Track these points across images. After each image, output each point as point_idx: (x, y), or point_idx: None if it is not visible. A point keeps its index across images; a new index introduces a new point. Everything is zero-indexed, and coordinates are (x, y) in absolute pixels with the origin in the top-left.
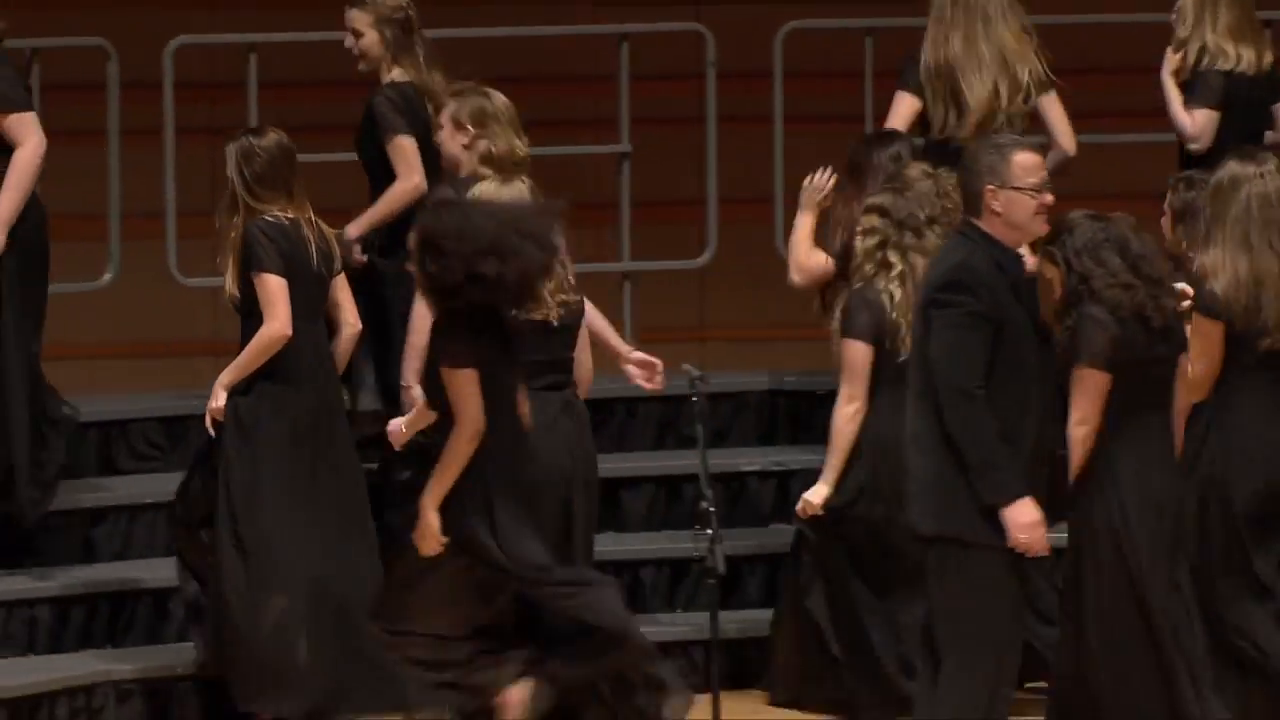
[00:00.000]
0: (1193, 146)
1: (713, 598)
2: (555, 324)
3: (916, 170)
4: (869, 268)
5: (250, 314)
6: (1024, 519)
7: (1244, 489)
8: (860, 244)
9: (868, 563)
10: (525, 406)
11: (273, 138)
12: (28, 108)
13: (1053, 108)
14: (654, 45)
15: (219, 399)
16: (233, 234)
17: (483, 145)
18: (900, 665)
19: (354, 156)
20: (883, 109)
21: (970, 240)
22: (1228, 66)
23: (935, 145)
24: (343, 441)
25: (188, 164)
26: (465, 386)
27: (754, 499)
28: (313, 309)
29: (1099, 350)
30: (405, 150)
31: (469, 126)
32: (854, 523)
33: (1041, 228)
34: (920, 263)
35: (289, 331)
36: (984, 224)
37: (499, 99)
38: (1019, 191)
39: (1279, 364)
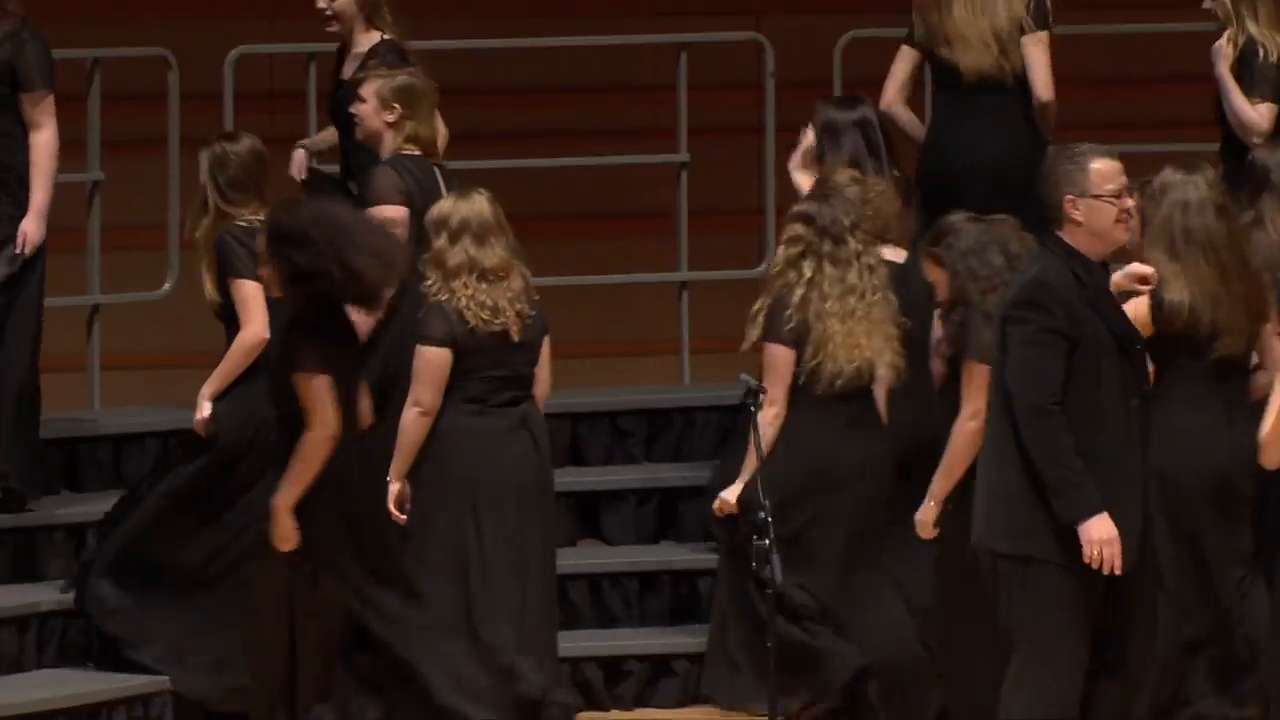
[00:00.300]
0: (1256, 140)
1: (769, 607)
2: (516, 339)
3: (845, 176)
4: (792, 274)
5: (232, 320)
6: (1100, 535)
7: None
8: (783, 251)
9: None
10: (366, 407)
11: (246, 143)
12: (52, 89)
13: (1035, 52)
14: (713, 55)
15: (203, 410)
16: (200, 237)
17: (409, 125)
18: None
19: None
20: None
21: (1048, 253)
22: (1275, 58)
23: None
24: None
25: None
26: (320, 393)
27: None
28: None
29: (989, 346)
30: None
31: (396, 105)
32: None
33: (1123, 235)
34: (831, 271)
35: (266, 334)
36: (1066, 235)
37: (425, 80)
38: (1099, 199)
39: (1220, 370)
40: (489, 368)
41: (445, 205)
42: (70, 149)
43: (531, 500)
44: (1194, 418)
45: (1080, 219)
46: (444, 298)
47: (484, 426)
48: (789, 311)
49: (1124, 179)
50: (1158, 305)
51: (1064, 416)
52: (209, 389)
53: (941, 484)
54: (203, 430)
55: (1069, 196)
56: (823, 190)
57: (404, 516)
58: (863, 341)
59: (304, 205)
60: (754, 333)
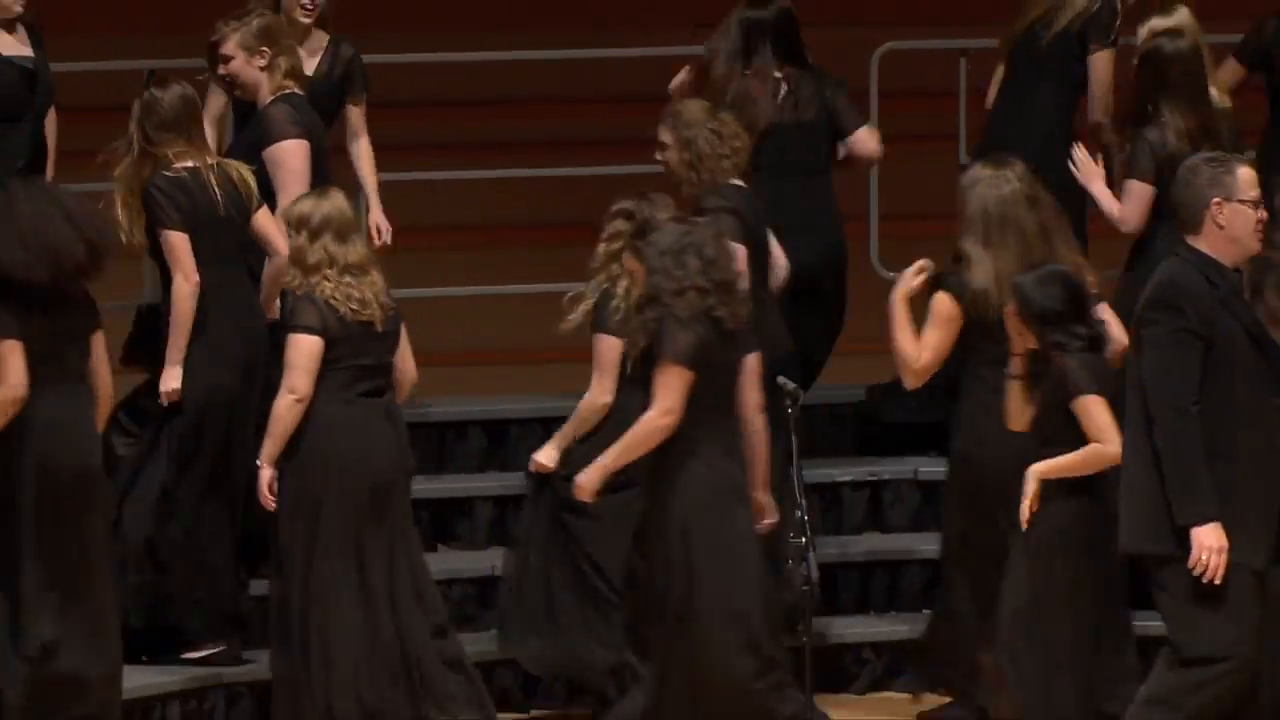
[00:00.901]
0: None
1: (808, 604)
2: (380, 329)
3: (700, 113)
4: (614, 267)
5: (165, 266)
6: (1211, 542)
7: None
8: (604, 247)
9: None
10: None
11: (175, 89)
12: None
13: (1099, 66)
14: None
15: (174, 379)
16: (118, 175)
17: (283, 62)
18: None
19: (435, 175)
20: (976, 126)
21: (1179, 258)
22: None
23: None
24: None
25: None
26: (8, 357)
27: (846, 509)
28: (225, 250)
29: (683, 348)
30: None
31: (264, 47)
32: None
33: (1257, 244)
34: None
35: (196, 278)
36: (1200, 240)
37: (273, 14)
38: (1243, 204)
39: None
40: (356, 357)
41: (306, 204)
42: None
43: (400, 488)
44: (996, 402)
45: (1223, 223)
46: (309, 291)
47: (356, 416)
48: (615, 303)
49: (1258, 188)
50: (965, 293)
51: (1199, 418)
52: (173, 355)
53: (615, 457)
54: (175, 398)
55: (1216, 200)
56: (643, 194)
57: (273, 500)
58: None
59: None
60: (573, 318)
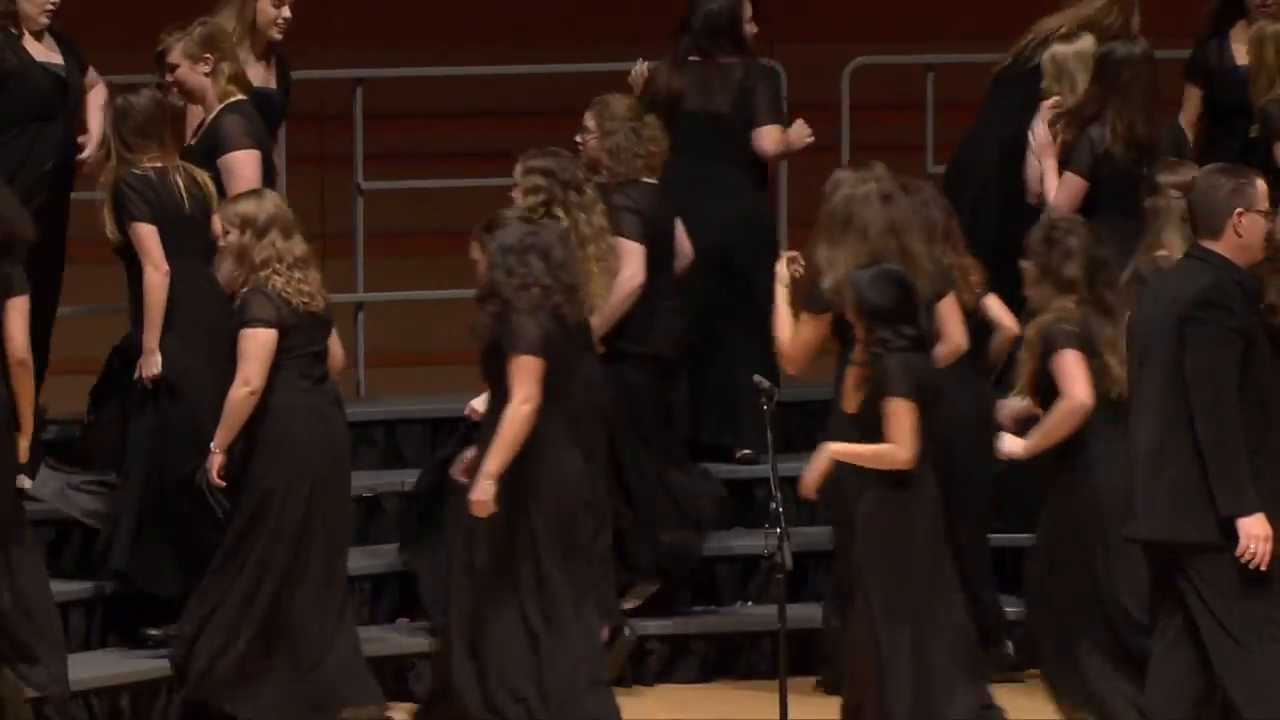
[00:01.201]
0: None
1: (781, 592)
2: (322, 314)
3: (624, 107)
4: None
5: (133, 264)
6: (1257, 531)
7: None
8: (524, 200)
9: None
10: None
11: (147, 94)
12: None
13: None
14: None
15: (154, 363)
16: (103, 180)
17: (226, 67)
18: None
19: (453, 182)
20: (943, 139)
21: (1208, 263)
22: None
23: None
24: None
25: (299, 188)
26: None
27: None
28: (191, 246)
29: (533, 340)
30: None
31: (207, 54)
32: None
33: (1262, 252)
34: (583, 217)
35: (165, 267)
36: (1219, 246)
37: (214, 21)
38: (1259, 215)
39: None
40: (308, 345)
41: (247, 205)
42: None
43: (347, 473)
44: None
45: (1243, 231)
46: (259, 285)
47: (315, 402)
48: None
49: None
50: (814, 294)
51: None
52: (150, 341)
53: (496, 461)
54: (157, 380)
55: (1239, 209)
56: (554, 150)
57: (223, 483)
58: (603, 283)
59: None
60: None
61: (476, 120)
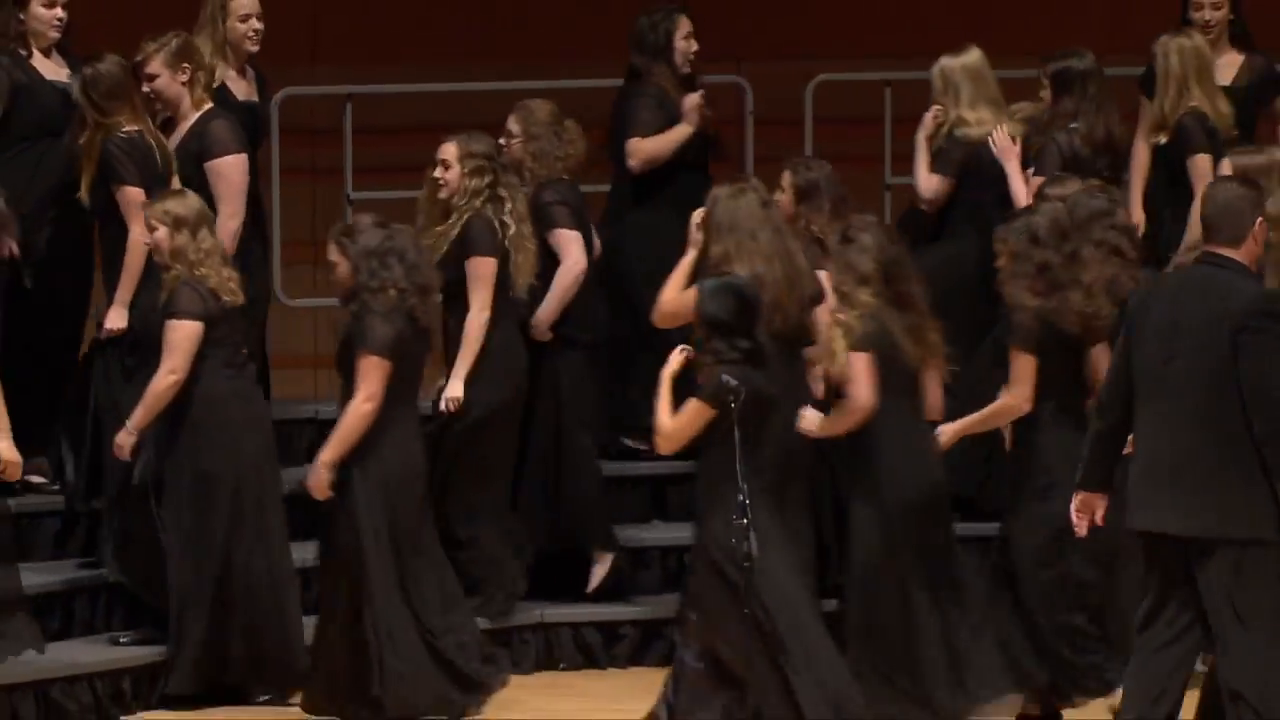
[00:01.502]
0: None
1: (748, 578)
2: (243, 307)
3: (547, 115)
4: (477, 202)
5: (106, 223)
6: None
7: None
8: (471, 181)
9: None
10: None
11: (111, 59)
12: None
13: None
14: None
15: (120, 319)
16: (84, 144)
17: (202, 77)
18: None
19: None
20: (900, 151)
21: (1236, 271)
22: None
23: None
24: None
25: (291, 199)
26: None
27: None
28: None
29: (385, 341)
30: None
31: (185, 64)
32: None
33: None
34: (520, 198)
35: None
36: (1239, 254)
37: (184, 33)
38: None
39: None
40: (234, 335)
41: (175, 205)
42: None
43: (273, 444)
44: None
45: (1259, 240)
46: (190, 280)
47: (243, 388)
48: (497, 225)
49: None
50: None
51: None
52: (123, 295)
53: (332, 452)
54: (118, 334)
55: (1261, 220)
56: (478, 133)
57: (130, 458)
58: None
59: None
60: (443, 245)
61: (460, 134)
